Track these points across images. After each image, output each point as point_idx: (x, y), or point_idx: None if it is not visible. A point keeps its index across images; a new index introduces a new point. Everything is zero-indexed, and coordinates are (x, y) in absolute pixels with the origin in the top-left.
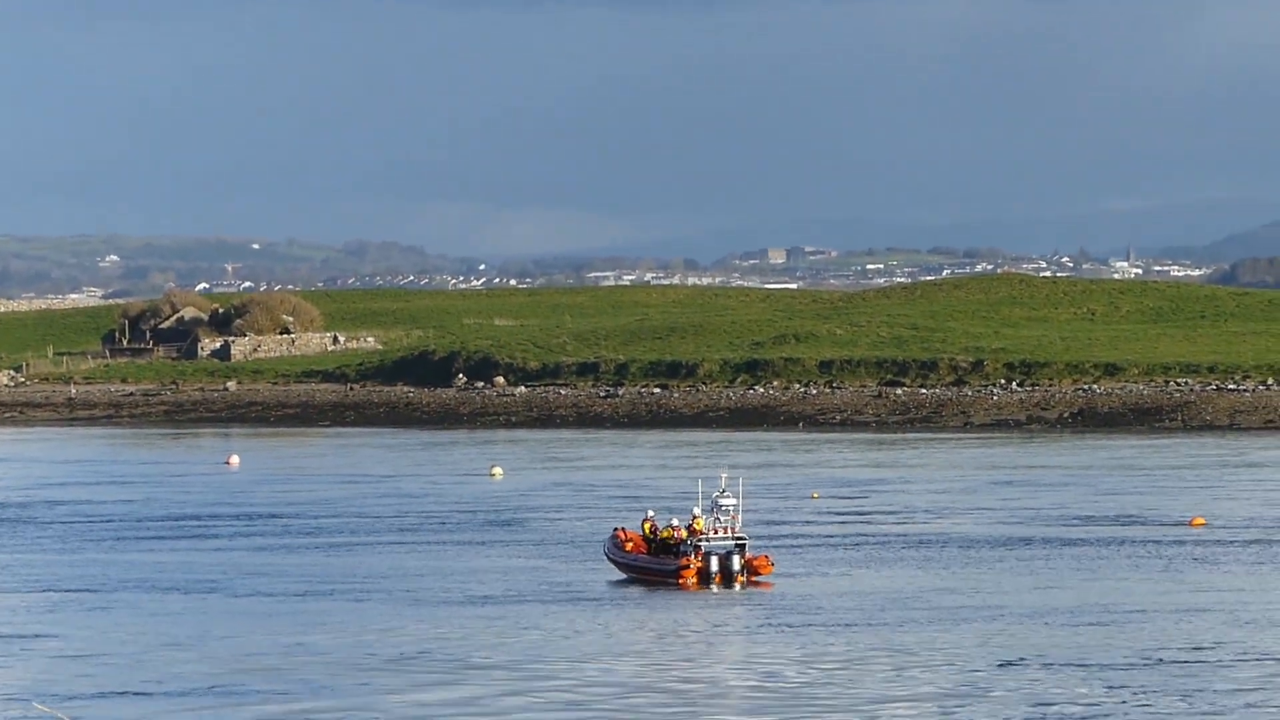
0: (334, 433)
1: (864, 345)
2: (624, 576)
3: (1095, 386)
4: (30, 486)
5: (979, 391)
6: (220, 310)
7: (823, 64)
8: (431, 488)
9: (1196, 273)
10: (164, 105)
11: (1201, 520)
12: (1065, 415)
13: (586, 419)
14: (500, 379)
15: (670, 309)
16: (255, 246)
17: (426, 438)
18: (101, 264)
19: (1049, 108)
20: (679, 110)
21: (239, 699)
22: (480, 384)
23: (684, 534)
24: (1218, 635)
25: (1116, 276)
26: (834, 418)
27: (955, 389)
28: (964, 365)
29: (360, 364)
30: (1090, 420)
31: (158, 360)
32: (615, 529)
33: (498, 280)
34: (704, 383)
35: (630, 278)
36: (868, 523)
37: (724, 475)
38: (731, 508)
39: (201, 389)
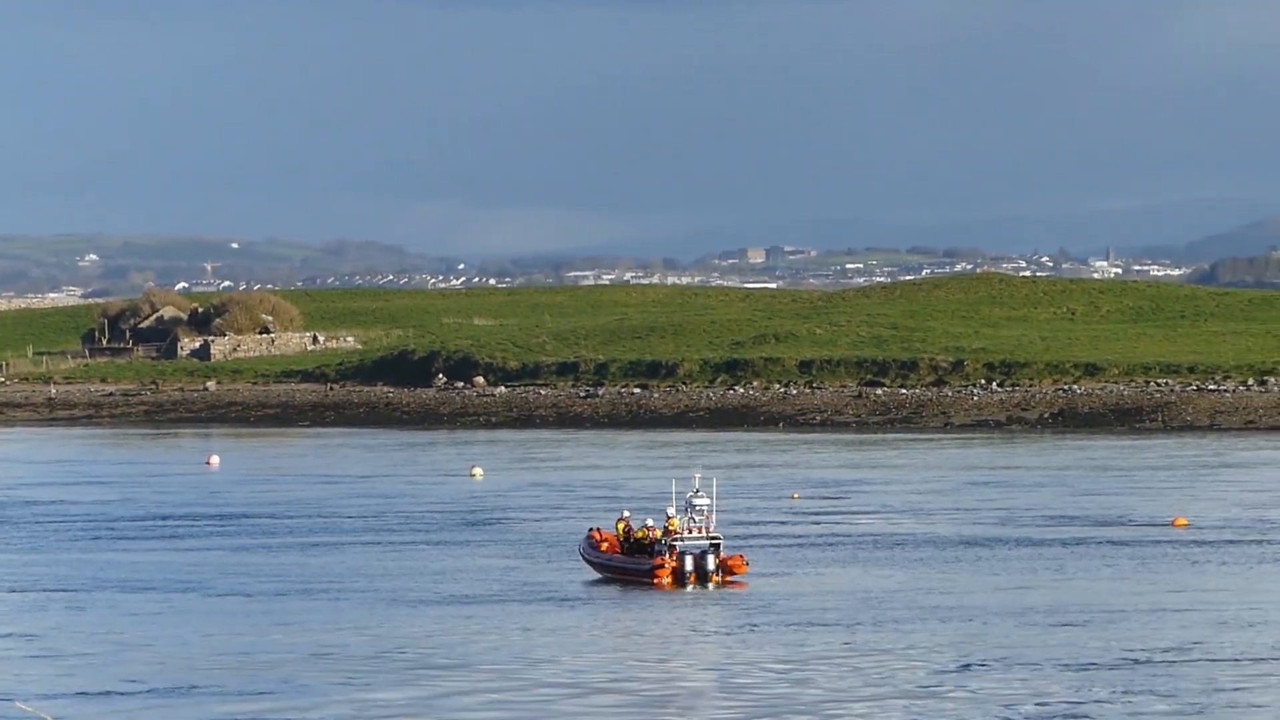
0: (314, 433)
1: (844, 345)
2: (599, 577)
3: (1075, 387)
4: (9, 487)
5: (959, 392)
6: (200, 310)
7: (803, 64)
8: (410, 488)
9: (1176, 272)
10: (145, 106)
11: (1184, 521)
12: (1045, 416)
13: (566, 419)
14: (480, 379)
15: (650, 309)
16: (234, 246)
17: (406, 438)
18: (81, 263)
19: (1029, 108)
20: (659, 110)
21: (218, 698)
22: (460, 384)
23: (658, 534)
24: (1196, 635)
25: (1096, 276)
26: (814, 418)
27: (935, 389)
28: (944, 365)
29: (340, 364)
30: (1070, 421)
31: (137, 360)
32: (590, 529)
33: (477, 280)
34: (684, 383)
35: (610, 277)
36: (844, 523)
37: (698, 475)
38: (705, 507)
39: (181, 389)
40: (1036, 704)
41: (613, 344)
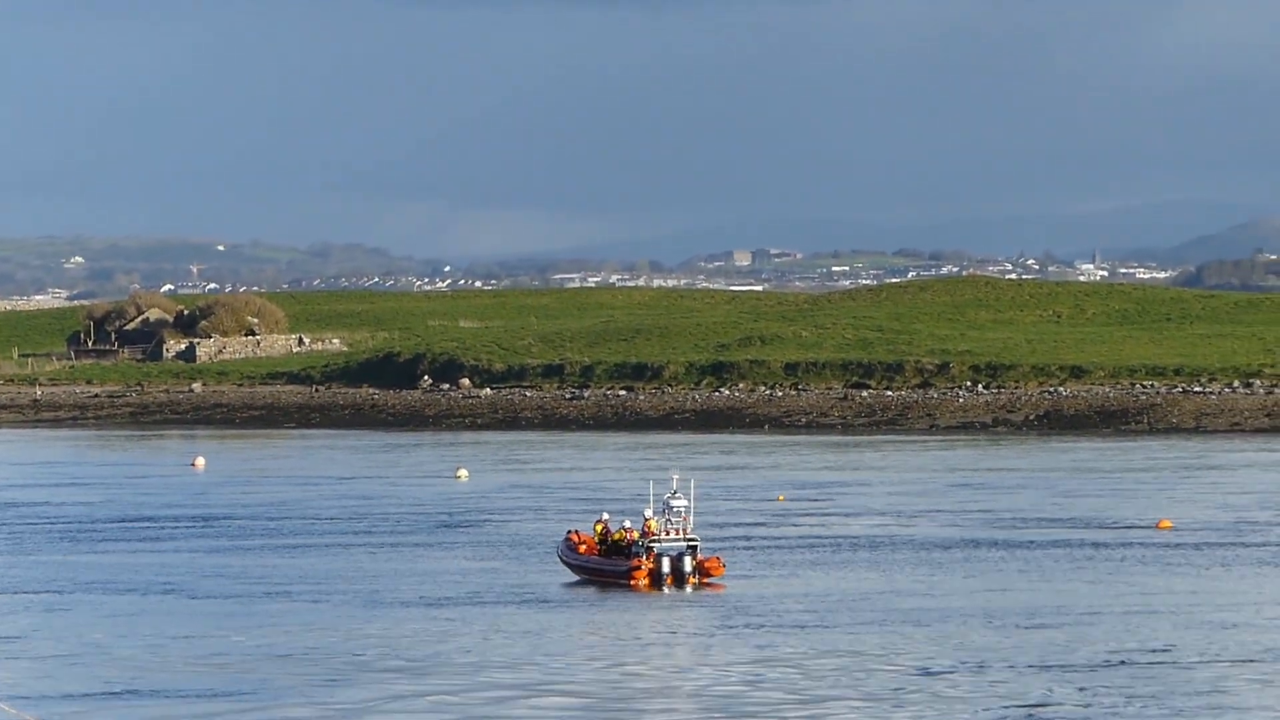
0: (299, 435)
1: (829, 347)
2: (577, 578)
3: (1061, 389)
4: None
5: (945, 394)
6: (185, 312)
7: (790, 66)
8: (394, 490)
9: (1162, 275)
10: (129, 106)
11: (1168, 523)
12: (1031, 418)
13: (552, 421)
14: (465, 381)
15: (635, 311)
16: (220, 248)
17: (391, 440)
18: (67, 265)
19: (1016, 110)
20: (645, 112)
21: (198, 700)
22: (445, 386)
23: (636, 536)
24: (1174, 636)
25: (1082, 279)
26: (799, 420)
27: (921, 391)
28: (930, 367)
29: (325, 366)
30: (1056, 423)
31: (123, 362)
32: (569, 531)
33: (463, 282)
34: (669, 385)
35: (595, 279)
36: (824, 525)
37: (675, 477)
38: (683, 509)
39: (167, 390)
40: (1014, 705)
41: (598, 346)
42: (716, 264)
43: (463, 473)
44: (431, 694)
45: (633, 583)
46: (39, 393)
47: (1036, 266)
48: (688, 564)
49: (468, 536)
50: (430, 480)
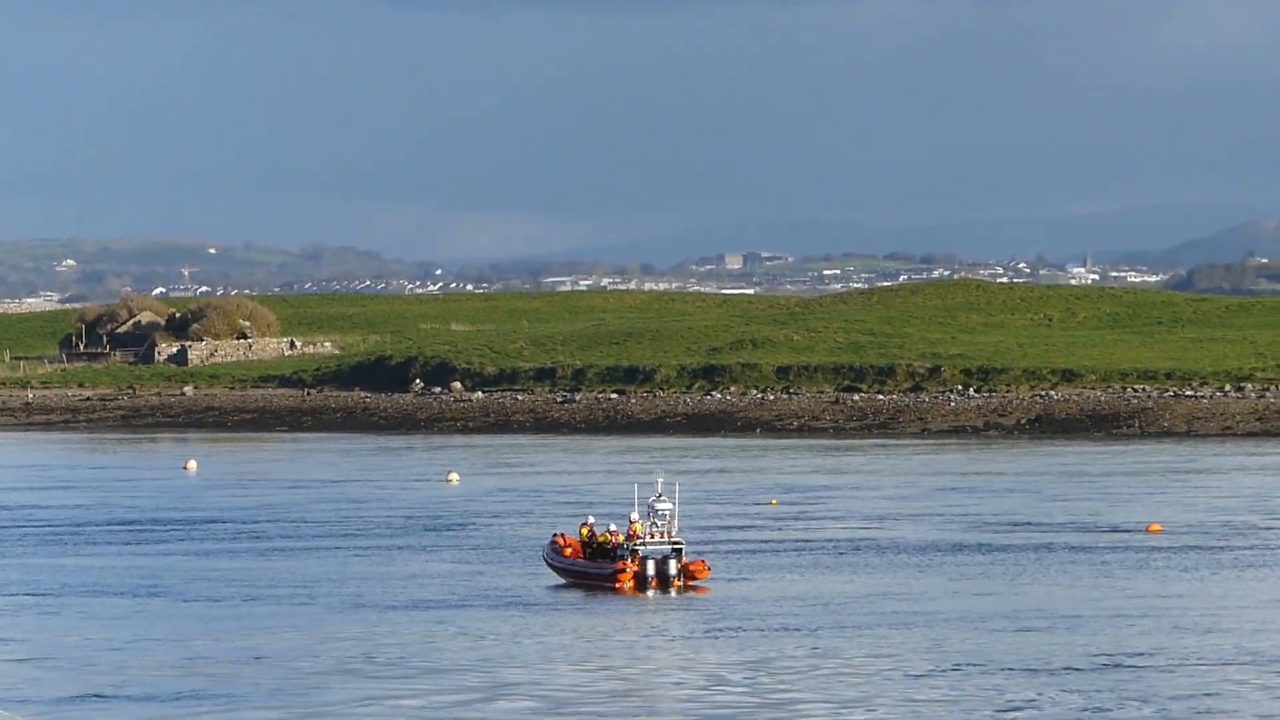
0: (291, 438)
1: (821, 351)
2: (562, 581)
3: (1053, 393)
4: None
5: (936, 398)
6: (177, 315)
7: (780, 67)
8: (384, 493)
9: (1154, 279)
10: (121, 109)
11: (1158, 527)
12: (1023, 421)
13: (544, 424)
14: (457, 384)
15: (627, 314)
16: (211, 251)
17: (383, 443)
18: (59, 268)
19: (1009, 112)
20: (635, 114)
21: (184, 702)
22: (437, 389)
23: (621, 538)
24: (1160, 639)
25: (1074, 282)
26: (791, 424)
27: (913, 395)
28: (921, 371)
29: (317, 369)
30: (1047, 426)
31: (115, 365)
32: (554, 534)
33: (455, 285)
34: (661, 388)
35: (587, 283)
36: (811, 528)
37: (660, 480)
38: (668, 512)
39: (159, 394)
40: (998, 708)
41: (590, 349)
42: (708, 267)
43: (454, 476)
44: (409, 696)
45: (617, 586)
46: (30, 396)
47: (1028, 270)
48: (672, 567)
49: (456, 540)
50: (421, 484)
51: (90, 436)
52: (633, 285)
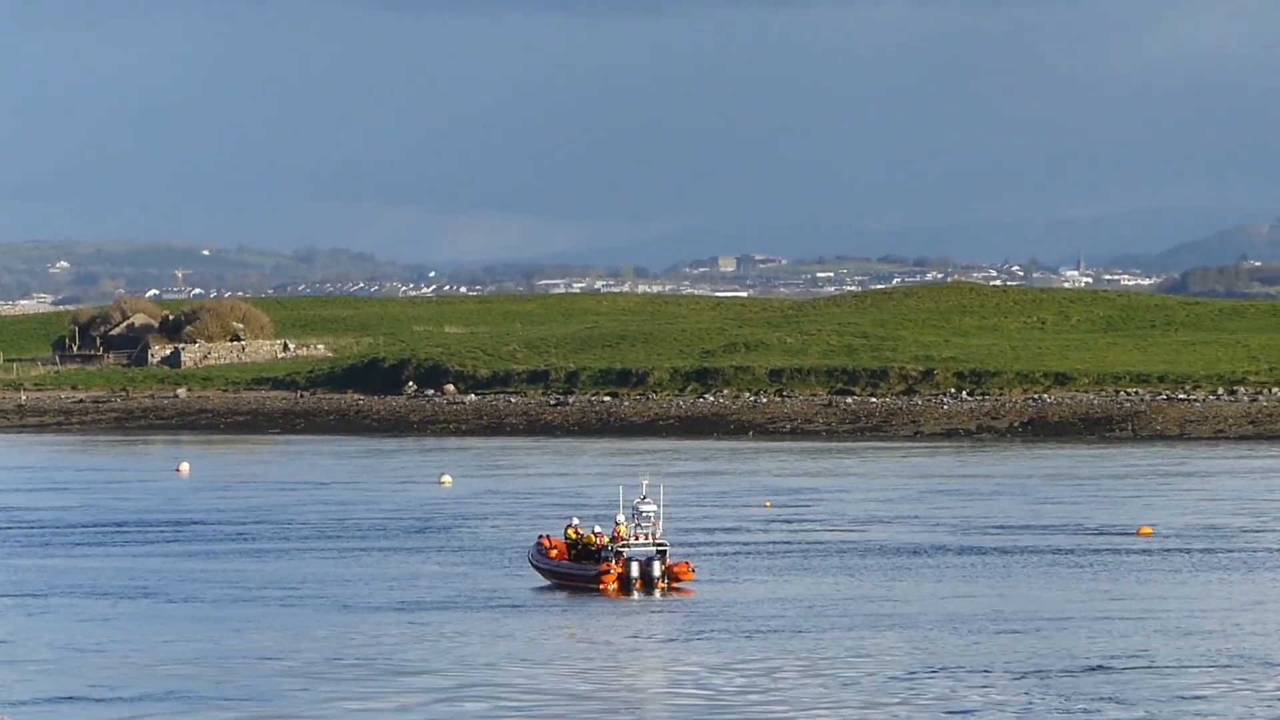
0: (284, 440)
1: (814, 354)
2: (547, 583)
3: (1046, 396)
4: None
5: (929, 401)
6: (170, 317)
7: (774, 70)
8: (376, 495)
9: (1147, 282)
10: (115, 112)
11: (1148, 529)
12: (1015, 425)
13: (537, 427)
14: (450, 387)
15: (620, 317)
16: (205, 253)
17: (376, 445)
18: (52, 270)
19: (1001, 115)
20: (629, 117)
21: (171, 704)
22: (430, 391)
23: (606, 540)
24: (1147, 643)
25: (1067, 285)
26: (784, 426)
27: (905, 398)
28: (914, 374)
29: (310, 371)
30: (1040, 430)
31: (108, 367)
32: (540, 535)
33: (448, 287)
34: (654, 391)
35: (580, 285)
36: (798, 531)
37: (645, 482)
38: (652, 514)
39: (152, 396)
40: (984, 710)
41: (583, 352)
42: (701, 270)
43: (446, 478)
44: (390, 694)
45: (601, 587)
46: (24, 398)
47: (1021, 273)
48: (656, 569)
49: (444, 541)
50: (413, 486)
51: (83, 439)
52: (626, 288)
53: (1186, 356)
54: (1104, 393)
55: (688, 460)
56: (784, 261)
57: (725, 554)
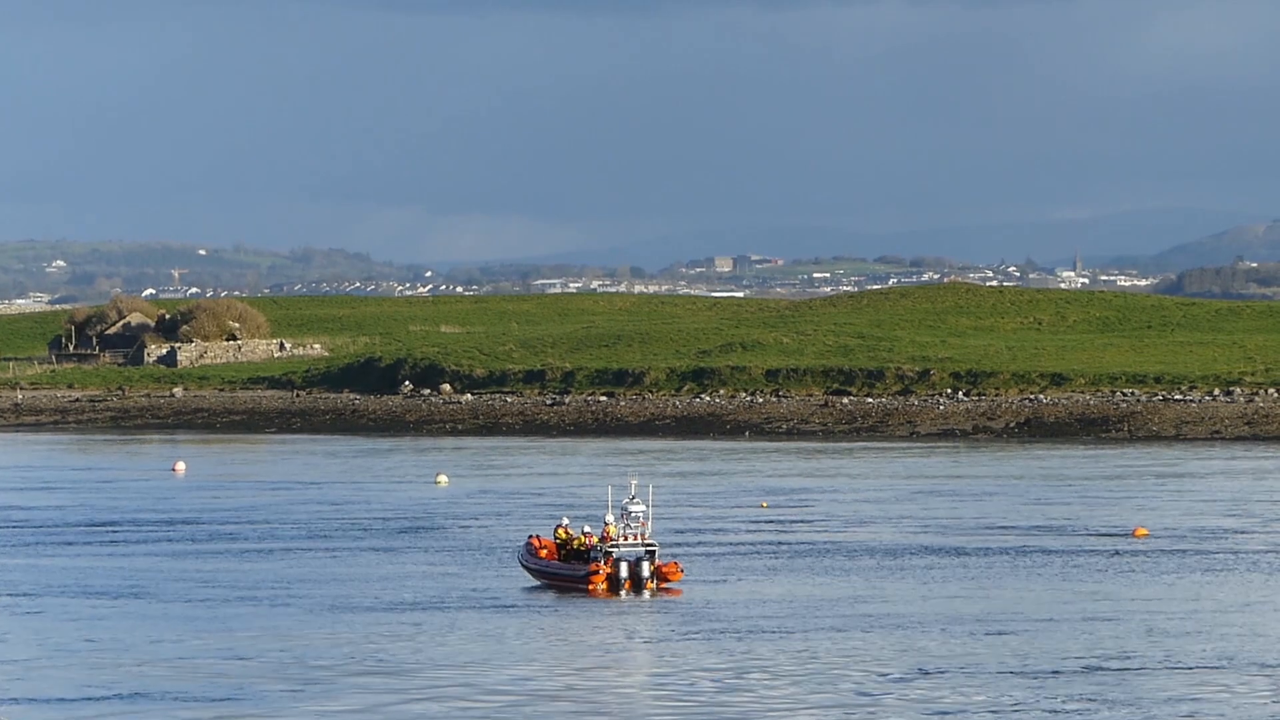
0: (280, 439)
1: (810, 354)
2: (537, 583)
3: (1042, 396)
4: None
5: (925, 401)
6: (167, 316)
7: (770, 71)
8: (371, 495)
9: (1143, 283)
10: (110, 111)
11: (1144, 531)
12: (1012, 425)
13: (533, 427)
14: (447, 386)
15: (617, 317)
16: (202, 252)
17: (372, 445)
18: (48, 269)
19: (997, 116)
20: (626, 118)
21: (163, 703)
22: (427, 391)
23: (596, 541)
24: (1137, 644)
25: (1063, 286)
26: (780, 427)
27: (902, 398)
28: (910, 374)
29: (307, 371)
30: (1036, 430)
31: (104, 366)
32: (530, 536)
33: (444, 287)
34: (650, 391)
35: (577, 285)
36: (790, 531)
37: (633, 482)
38: (641, 514)
39: (148, 395)
40: (976, 711)
41: (579, 352)
42: (698, 270)
43: (442, 478)
44: (377, 693)
45: (590, 588)
46: (19, 397)
47: (1017, 273)
48: (645, 569)
49: (437, 541)
50: (408, 485)
51: (79, 438)
52: (622, 288)
53: (1182, 357)
54: (1100, 393)
55: (683, 460)
56: (780, 262)
57: (715, 555)
